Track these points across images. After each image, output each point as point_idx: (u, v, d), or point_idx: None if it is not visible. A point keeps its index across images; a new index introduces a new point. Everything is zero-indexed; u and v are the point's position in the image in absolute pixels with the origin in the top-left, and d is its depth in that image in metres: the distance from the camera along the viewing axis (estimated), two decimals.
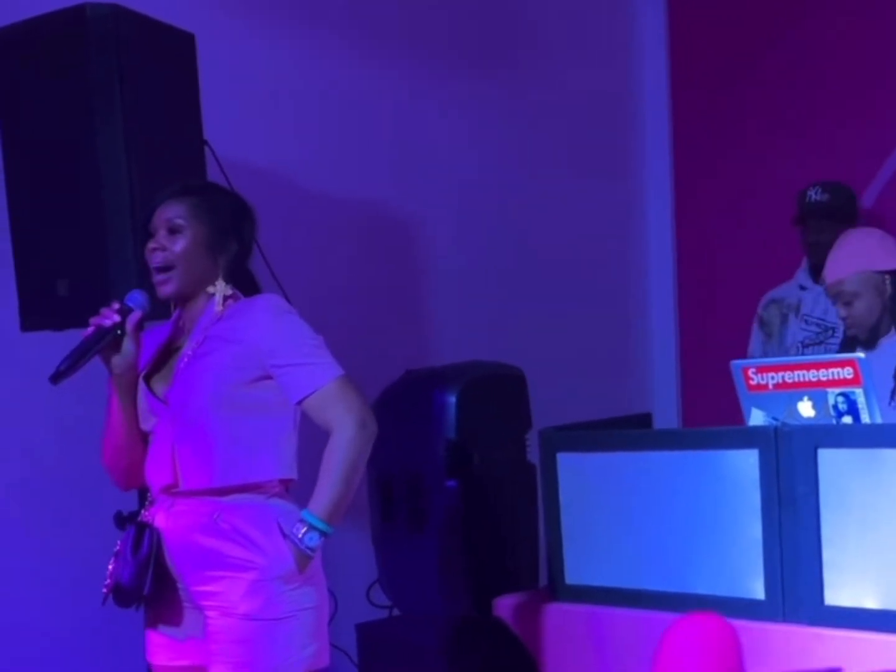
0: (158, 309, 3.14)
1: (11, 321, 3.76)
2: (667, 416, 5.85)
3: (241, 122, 4.47)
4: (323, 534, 2.90)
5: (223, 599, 2.89)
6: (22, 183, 3.72)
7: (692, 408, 6.07)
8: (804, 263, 4.89)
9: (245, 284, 3.13)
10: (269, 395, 2.97)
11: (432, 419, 4.17)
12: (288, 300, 3.21)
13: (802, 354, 4.63)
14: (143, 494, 3.56)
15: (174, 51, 3.79)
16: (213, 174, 3.84)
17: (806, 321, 4.75)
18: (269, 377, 2.96)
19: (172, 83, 3.77)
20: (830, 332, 4.67)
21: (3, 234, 3.75)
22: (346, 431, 2.92)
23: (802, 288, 4.83)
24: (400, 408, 4.21)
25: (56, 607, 4.22)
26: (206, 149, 3.86)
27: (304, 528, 2.89)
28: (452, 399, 4.14)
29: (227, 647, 2.88)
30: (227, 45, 4.55)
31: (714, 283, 5.99)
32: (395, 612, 4.46)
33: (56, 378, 2.93)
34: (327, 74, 4.93)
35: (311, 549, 2.90)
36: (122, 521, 3.71)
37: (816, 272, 4.72)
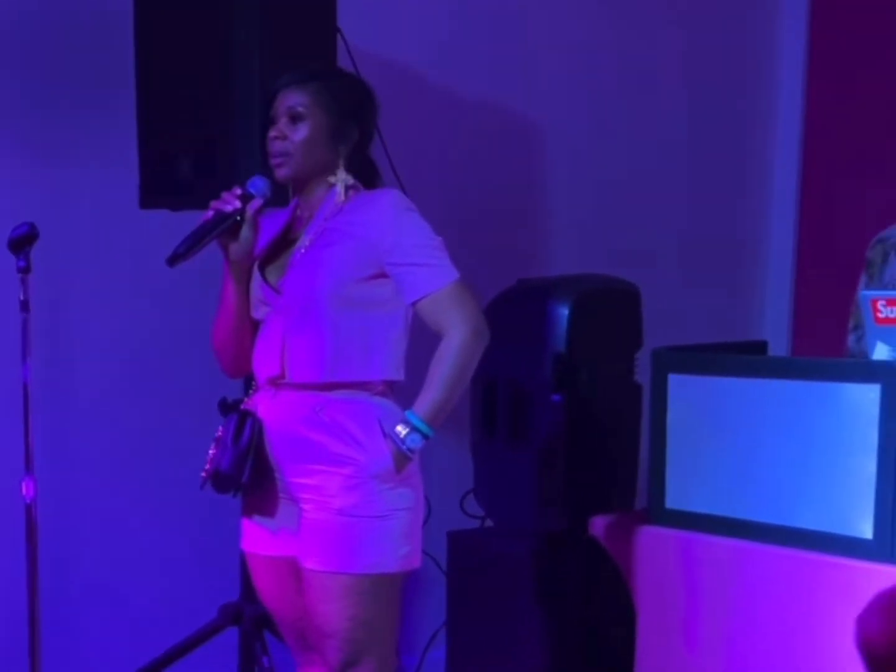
0: (279, 196, 3.12)
1: (130, 199, 3.75)
2: (777, 345, 5.75)
3: (374, 14, 4.40)
4: (425, 436, 2.89)
5: (319, 493, 2.90)
6: (153, 60, 3.71)
7: (802, 341, 5.97)
8: None
9: (366, 173, 3.09)
10: (384, 293, 2.95)
11: (542, 330, 4.11)
12: (405, 194, 3.17)
13: None
14: (248, 383, 3.58)
15: None
16: (343, 62, 3.79)
17: None
18: (386, 275, 2.93)
19: None
20: None
21: (129, 110, 3.73)
22: (459, 336, 2.89)
23: None
24: (509, 317, 4.15)
25: (157, 490, 4.27)
26: (339, 36, 3.81)
27: (407, 429, 2.88)
28: (565, 311, 4.08)
29: (319, 541, 2.90)
30: None
31: (836, 216, 5.86)
32: (488, 522, 4.44)
33: (173, 260, 2.93)
34: None
35: (412, 451, 2.90)
36: (226, 408, 3.71)
37: None
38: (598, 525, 3.57)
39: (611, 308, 4.21)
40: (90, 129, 4.08)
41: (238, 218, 2.97)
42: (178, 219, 3.45)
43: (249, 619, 3.84)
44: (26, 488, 3.41)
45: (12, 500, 3.48)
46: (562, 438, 4.09)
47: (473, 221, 4.76)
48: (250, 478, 2.95)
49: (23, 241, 3.38)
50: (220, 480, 2.97)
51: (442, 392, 2.89)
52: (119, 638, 4.19)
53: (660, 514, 3.40)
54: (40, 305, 3.53)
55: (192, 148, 3.64)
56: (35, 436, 3.44)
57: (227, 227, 2.97)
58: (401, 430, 2.89)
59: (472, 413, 4.32)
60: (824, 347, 4.70)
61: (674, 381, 3.35)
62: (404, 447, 2.88)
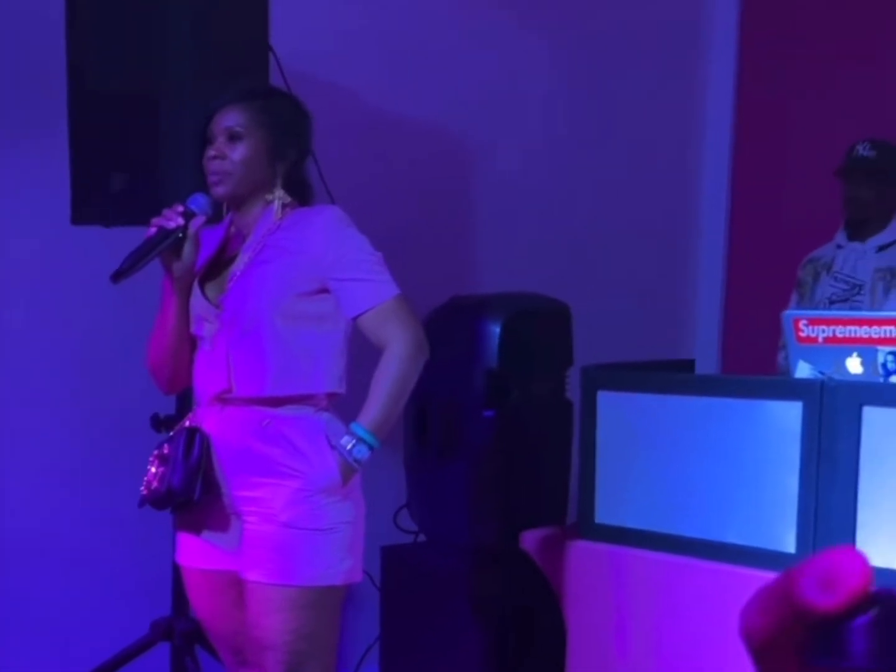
0: (217, 214, 3.13)
1: (62, 214, 3.74)
2: (706, 363, 5.81)
3: (307, 33, 4.42)
4: (370, 447, 2.92)
5: (265, 506, 2.91)
6: (83, 75, 3.69)
7: (731, 359, 6.03)
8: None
9: (299, 190, 3.11)
10: (326, 308, 2.97)
11: (475, 347, 4.14)
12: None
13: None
14: (181, 400, 3.57)
15: None
16: (275, 81, 3.81)
17: (835, 278, 4.71)
18: (327, 290, 2.96)
19: None
20: (857, 290, 4.63)
21: (60, 127, 3.73)
22: (402, 349, 2.93)
23: (839, 247, 4.77)
24: (443, 333, 4.17)
25: (88, 504, 4.25)
26: (271, 55, 3.82)
27: (353, 441, 2.90)
28: (496, 329, 4.12)
29: (264, 553, 2.90)
30: None
31: (766, 236, 5.93)
32: (421, 537, 4.46)
33: (117, 277, 2.93)
34: None
35: (358, 462, 2.92)
36: (158, 423, 3.72)
37: (852, 228, 4.69)
38: (529, 540, 3.60)
39: (541, 326, 4.26)
40: (21, 145, 4.08)
41: (180, 235, 2.98)
42: (112, 234, 3.45)
43: (181, 634, 3.83)
44: None
45: None
46: (493, 454, 4.12)
47: (408, 239, 4.78)
48: (200, 495, 2.95)
49: None
50: (171, 498, 2.97)
51: (386, 404, 2.92)
52: (48, 654, 4.16)
53: (589, 529, 3.43)
54: None
55: (124, 164, 3.64)
56: None
57: (169, 243, 2.98)
58: (347, 441, 2.90)
59: (405, 428, 4.34)
60: (755, 365, 4.77)
61: (603, 398, 3.39)
62: (351, 458, 2.90)
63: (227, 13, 3.68)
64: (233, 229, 3.14)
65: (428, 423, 4.26)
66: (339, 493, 2.92)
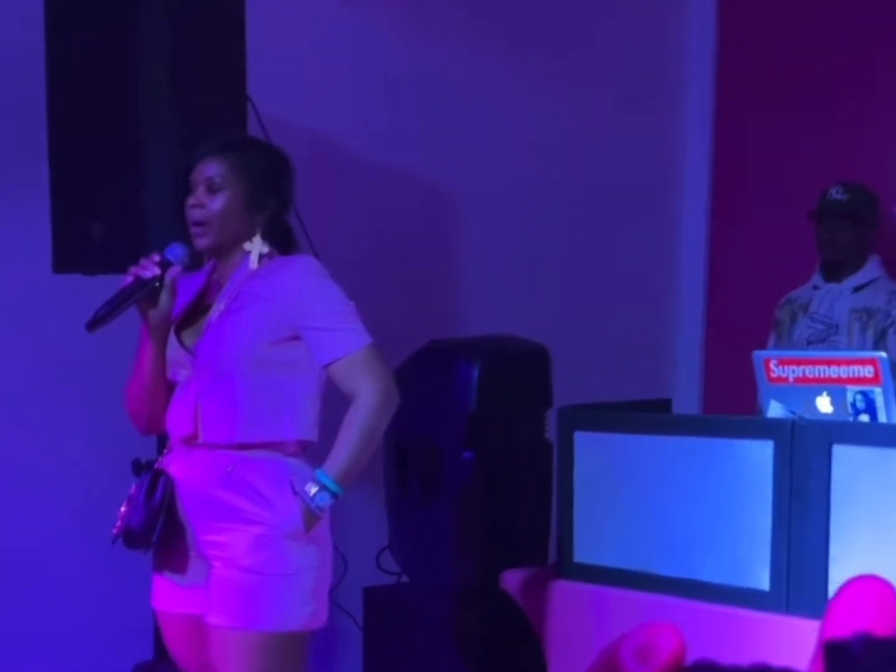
0: (197, 261, 3.17)
1: (42, 263, 3.78)
2: (687, 403, 5.84)
3: (284, 82, 4.48)
4: (334, 495, 2.94)
5: (228, 551, 2.94)
6: (64, 124, 3.75)
7: (713, 398, 6.06)
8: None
9: (282, 239, 3.13)
10: (297, 356, 3.00)
11: (453, 390, 4.18)
12: (318, 258, 3.22)
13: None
14: (162, 442, 3.60)
15: (224, 3, 3.81)
16: (253, 130, 3.86)
17: (812, 318, 4.76)
18: (298, 338, 2.99)
19: (220, 36, 3.79)
20: (834, 330, 4.68)
21: (41, 175, 3.77)
22: (370, 398, 2.95)
23: (816, 288, 4.83)
24: (422, 377, 4.22)
25: (69, 549, 4.26)
26: (249, 104, 3.87)
27: (316, 488, 2.93)
28: (475, 372, 4.16)
29: (227, 597, 2.93)
30: (279, 3, 4.56)
31: (746, 276, 5.97)
32: (404, 578, 4.49)
33: (93, 325, 2.97)
34: (370, 39, 4.93)
35: (321, 509, 2.94)
36: (139, 468, 3.74)
37: (827, 270, 4.74)
38: (510, 580, 3.62)
39: (520, 368, 4.30)
40: (2, 193, 4.11)
41: (157, 284, 3.01)
42: (92, 282, 3.49)
43: None
44: None
45: None
46: (474, 495, 4.16)
47: (387, 283, 4.83)
48: (160, 536, 2.98)
49: None
50: (131, 538, 3.00)
51: (351, 453, 2.95)
52: None
53: (569, 568, 3.46)
54: None
55: (105, 213, 3.68)
56: None
57: (146, 293, 3.01)
58: (310, 488, 2.93)
59: (385, 470, 4.37)
60: (736, 405, 4.80)
61: (579, 438, 3.43)
62: (313, 505, 2.92)
63: (205, 62, 3.73)
64: (214, 276, 3.17)
65: (408, 465, 4.30)
66: (303, 538, 2.94)
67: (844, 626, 0.88)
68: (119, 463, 3.58)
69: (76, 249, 3.73)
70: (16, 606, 4.20)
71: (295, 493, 2.94)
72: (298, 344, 2.99)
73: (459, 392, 4.17)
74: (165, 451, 3.15)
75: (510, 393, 4.23)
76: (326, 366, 2.99)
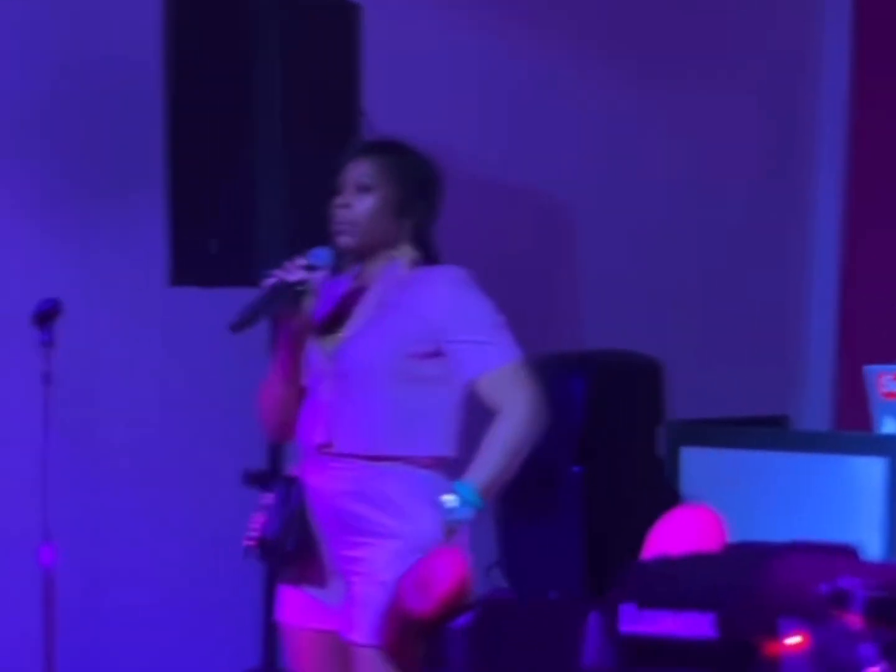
0: (339, 266, 3.08)
1: (159, 275, 3.84)
2: (819, 421, 5.70)
3: (398, 98, 4.48)
4: (475, 508, 2.85)
5: (367, 566, 2.86)
6: (181, 143, 3.80)
7: (846, 416, 5.90)
8: None
9: (427, 249, 3.06)
10: (440, 370, 2.92)
11: (564, 404, 4.14)
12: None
13: None
14: (272, 452, 3.61)
15: (339, 19, 3.85)
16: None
17: None
18: (441, 352, 2.92)
19: (334, 52, 3.83)
20: None
21: (158, 192, 3.83)
22: (518, 414, 2.88)
23: None
24: None
25: (180, 557, 4.30)
26: (362, 119, 3.89)
27: (458, 501, 2.84)
28: (585, 386, 4.12)
29: (366, 614, 2.83)
30: (395, 19, 4.57)
31: (881, 291, 5.81)
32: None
33: (237, 327, 2.92)
34: (485, 51, 4.92)
35: (460, 522, 2.84)
36: (249, 478, 3.77)
37: None
38: None
39: (631, 382, 4.24)
40: (118, 205, 4.19)
41: (301, 288, 2.95)
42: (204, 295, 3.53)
43: None
44: (44, 555, 3.48)
45: (31, 567, 3.56)
46: (583, 511, 4.11)
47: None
48: (296, 546, 2.92)
49: (47, 316, 3.50)
50: (266, 548, 2.94)
51: (495, 465, 2.87)
52: None
53: None
54: (64, 379, 3.62)
55: (219, 225, 3.72)
56: (54, 504, 3.50)
57: (290, 296, 2.94)
58: (450, 501, 2.84)
59: None
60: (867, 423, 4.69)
61: (686, 453, 3.39)
62: (452, 518, 2.83)
63: (318, 76, 3.77)
64: (357, 282, 3.08)
65: (518, 480, 4.26)
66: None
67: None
68: (232, 473, 3.61)
69: (192, 263, 3.77)
70: (126, 614, 4.25)
71: (433, 505, 2.85)
72: (441, 358, 2.92)
73: (569, 406, 4.13)
74: (299, 459, 3.06)
75: (621, 407, 4.17)
76: (473, 379, 2.91)
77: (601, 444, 4.14)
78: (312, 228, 3.53)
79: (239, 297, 3.75)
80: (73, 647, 3.88)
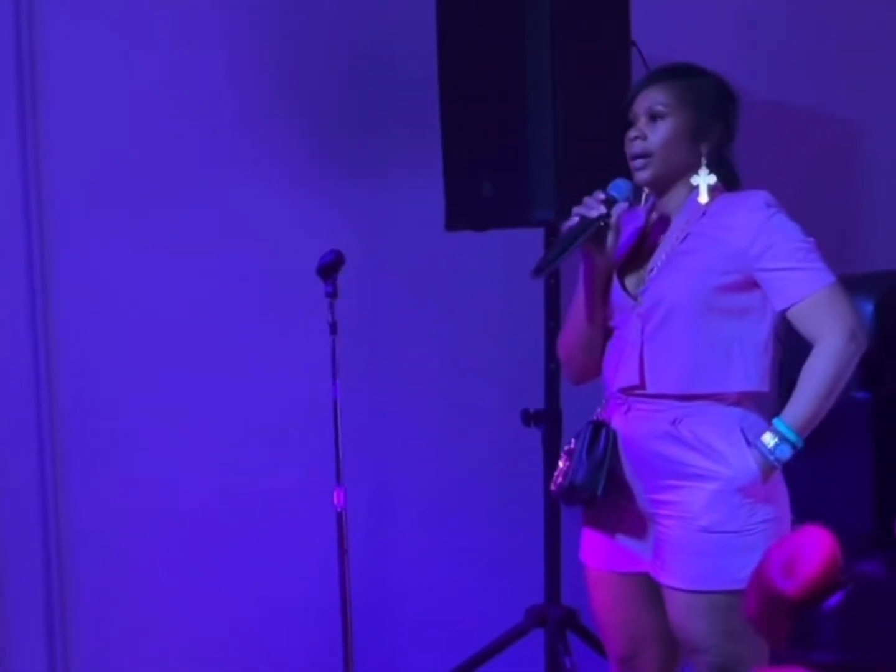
0: (638, 197, 3.02)
1: (432, 222, 3.88)
2: None
3: (668, 23, 4.38)
4: (793, 446, 2.82)
5: (682, 510, 2.84)
6: (453, 88, 3.82)
7: None
8: None
9: (726, 174, 2.99)
10: (751, 300, 2.87)
11: None
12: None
13: None
14: (550, 392, 3.63)
15: None
16: (638, 76, 3.80)
17: None
18: (751, 282, 2.85)
19: None
20: None
21: (431, 139, 3.87)
22: (834, 341, 2.79)
23: None
24: None
25: (464, 498, 4.36)
26: (634, 50, 3.83)
27: (776, 439, 2.80)
28: (869, 307, 3.99)
29: (682, 558, 2.84)
30: None
31: None
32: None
33: (538, 271, 2.93)
34: None
35: (779, 461, 2.82)
36: (527, 418, 3.82)
37: None
38: None
39: None
40: (394, 155, 4.26)
41: (602, 224, 2.89)
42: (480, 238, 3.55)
43: (554, 621, 3.91)
44: (337, 497, 3.62)
45: (326, 508, 3.70)
46: (871, 441, 4.02)
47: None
48: (605, 491, 2.90)
49: (330, 268, 3.61)
50: (573, 493, 2.95)
51: (812, 401, 2.81)
52: (429, 641, 4.33)
53: None
54: (349, 328, 3.74)
55: (493, 170, 3.74)
56: (346, 449, 3.65)
57: (592, 233, 2.89)
58: (768, 439, 2.81)
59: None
60: None
61: None
62: (772, 458, 2.80)
63: (587, 6, 3.71)
64: (654, 215, 3.04)
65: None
66: (760, 493, 2.82)
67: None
68: (514, 413, 3.62)
69: (468, 208, 3.79)
70: (411, 552, 4.38)
71: (749, 444, 2.83)
72: (751, 288, 2.85)
73: None
74: (604, 402, 3.03)
75: None
76: (785, 310, 2.83)
77: (890, 369, 4.02)
78: (586, 165, 3.55)
79: (513, 238, 3.81)
80: (364, 582, 4.03)
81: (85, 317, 4.06)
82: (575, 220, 2.90)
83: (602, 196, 2.91)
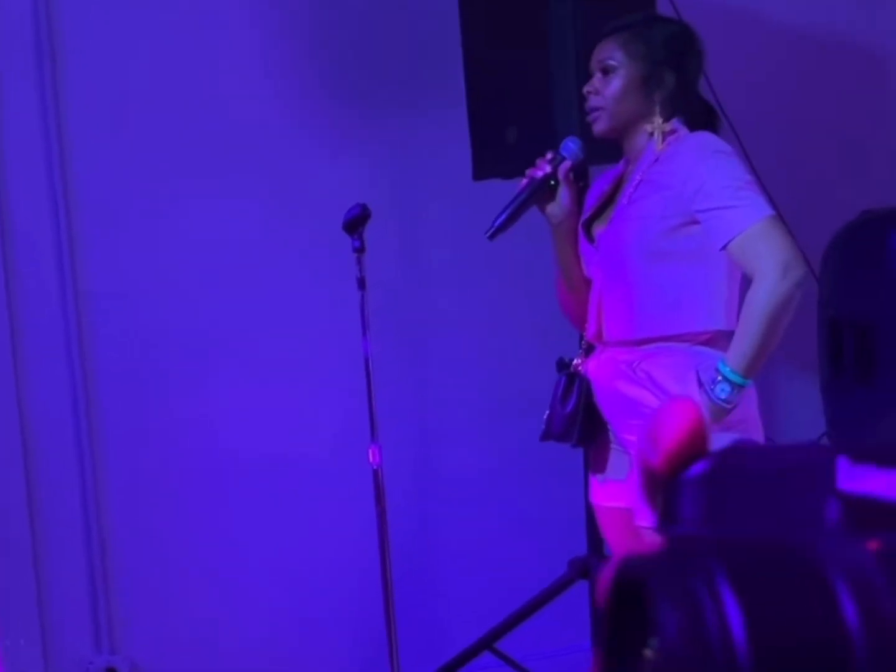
0: (600, 154, 3.18)
1: (459, 171, 3.85)
2: None
3: None
4: (736, 386, 2.81)
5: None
6: (476, 34, 3.79)
7: None
8: None
9: (700, 115, 3.04)
10: (694, 243, 2.90)
11: (888, 262, 3.97)
12: (735, 134, 3.08)
13: None
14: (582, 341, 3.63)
15: None
16: (663, 9, 3.73)
17: None
18: (696, 222, 2.88)
19: None
20: None
21: (456, 90, 3.81)
22: (767, 278, 2.81)
23: None
24: (853, 251, 4.02)
25: (500, 450, 4.38)
26: None
27: (719, 379, 2.81)
28: None
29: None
30: None
31: None
32: None
33: (493, 234, 3.04)
34: None
35: (723, 401, 2.81)
36: (562, 366, 3.79)
37: None
38: None
39: None
40: (418, 107, 4.24)
41: (552, 182, 3.03)
42: (509, 187, 3.51)
43: (597, 572, 3.90)
44: (373, 455, 3.61)
45: (362, 466, 3.68)
46: None
47: (813, 155, 4.62)
48: (580, 438, 3.03)
49: (356, 222, 3.57)
50: (555, 439, 3.09)
51: (751, 339, 2.82)
52: (473, 596, 4.33)
53: None
54: (378, 283, 3.72)
55: (517, 116, 3.71)
56: (380, 406, 3.62)
57: (541, 192, 3.04)
58: (712, 379, 2.83)
59: (819, 351, 4.22)
60: None
61: None
62: (714, 397, 2.82)
63: None
64: (624, 167, 3.11)
65: (842, 347, 4.13)
66: (714, 429, 2.85)
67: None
68: (549, 363, 3.60)
69: (493, 156, 3.77)
70: (450, 508, 4.37)
71: (700, 385, 2.85)
72: (697, 229, 2.88)
73: (893, 265, 3.95)
74: (582, 350, 3.16)
75: None
76: (723, 248, 2.85)
77: None
78: None
79: None
80: (404, 541, 4.05)
81: (118, 260, 4.05)
82: (525, 181, 3.04)
83: (550, 156, 3.04)
